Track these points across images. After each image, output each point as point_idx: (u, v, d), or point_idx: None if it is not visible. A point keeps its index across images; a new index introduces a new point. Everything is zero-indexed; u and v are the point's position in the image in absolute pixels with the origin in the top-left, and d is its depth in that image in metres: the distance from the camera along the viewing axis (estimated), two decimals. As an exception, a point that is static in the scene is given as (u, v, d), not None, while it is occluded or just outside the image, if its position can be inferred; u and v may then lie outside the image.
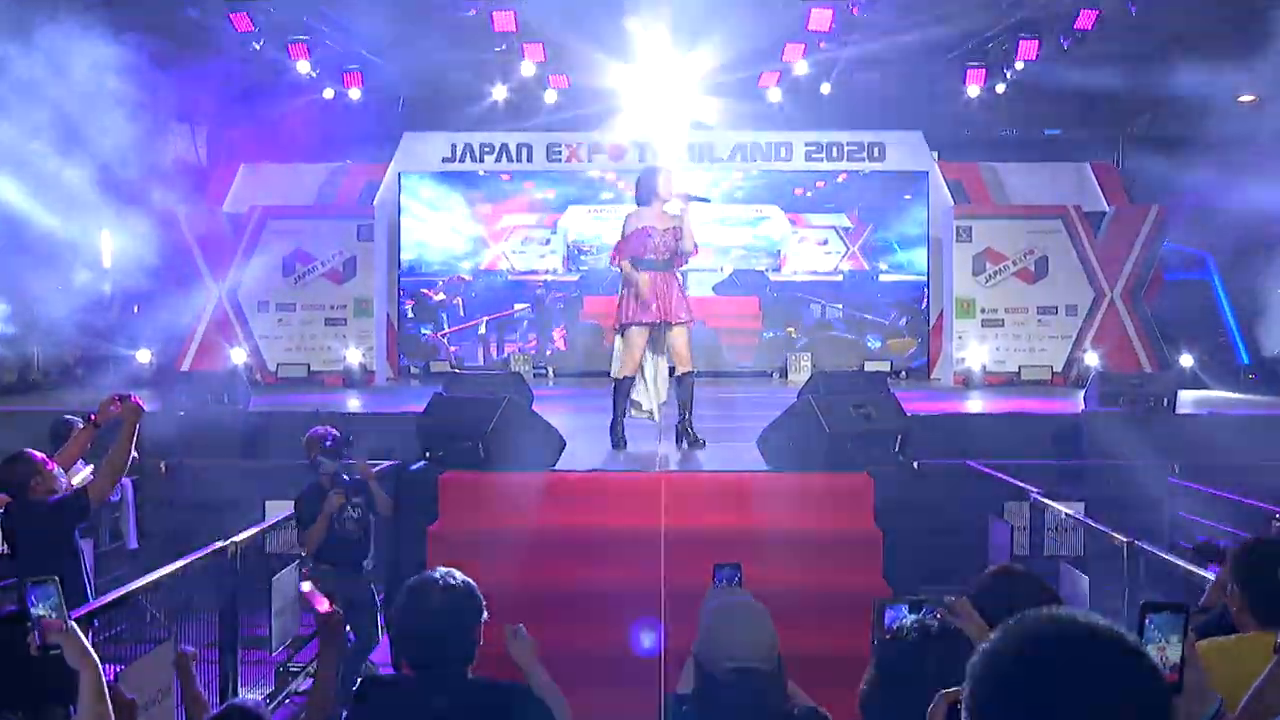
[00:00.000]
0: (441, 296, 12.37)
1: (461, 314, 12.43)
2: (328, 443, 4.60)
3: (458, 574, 2.14)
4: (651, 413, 5.69)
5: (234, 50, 10.43)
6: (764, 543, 4.23)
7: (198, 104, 11.67)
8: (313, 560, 4.56)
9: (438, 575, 2.13)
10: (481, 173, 12.26)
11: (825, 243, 12.31)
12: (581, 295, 12.28)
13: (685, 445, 5.56)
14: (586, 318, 12.17)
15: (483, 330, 12.40)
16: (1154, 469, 5.89)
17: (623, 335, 5.59)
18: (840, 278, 12.32)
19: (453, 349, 12.38)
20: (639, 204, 5.59)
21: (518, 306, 12.26)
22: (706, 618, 2.08)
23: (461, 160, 12.22)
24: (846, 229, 12.48)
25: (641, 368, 5.65)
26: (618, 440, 5.61)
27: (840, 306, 12.18)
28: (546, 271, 12.28)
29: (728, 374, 11.77)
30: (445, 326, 12.48)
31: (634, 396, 5.65)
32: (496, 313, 12.33)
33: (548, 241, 12.40)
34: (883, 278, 12.33)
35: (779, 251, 12.41)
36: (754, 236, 12.48)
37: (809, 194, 12.40)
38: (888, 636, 1.75)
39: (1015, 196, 12.23)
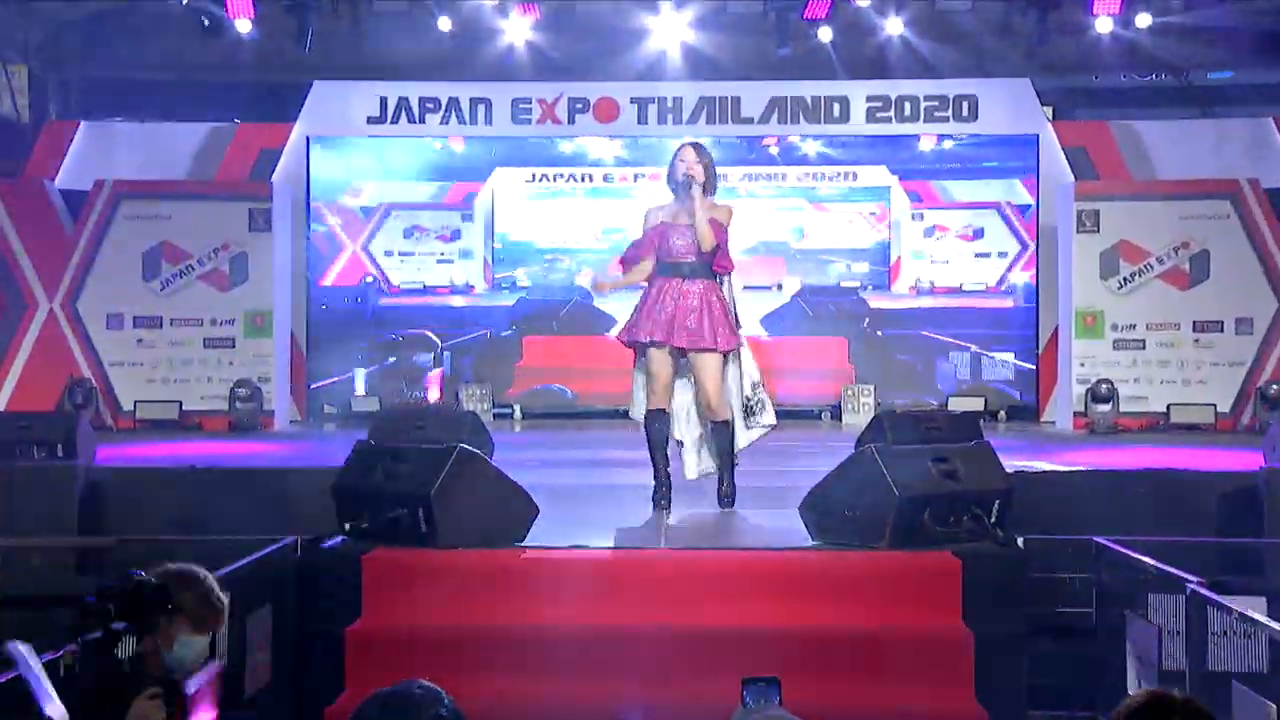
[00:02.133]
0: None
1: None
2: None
3: (446, 697, 2.16)
4: (683, 440, 6.02)
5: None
6: (809, 648, 4.29)
7: (15, 36, 11.70)
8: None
9: (416, 691, 2.15)
10: (437, 146, 12.40)
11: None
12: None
13: (709, 503, 5.84)
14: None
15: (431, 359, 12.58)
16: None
17: (640, 359, 5.97)
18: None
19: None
20: (669, 188, 6.05)
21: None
22: (735, 752, 2.18)
23: (394, 120, 12.37)
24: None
25: (673, 406, 5.95)
26: (659, 499, 5.80)
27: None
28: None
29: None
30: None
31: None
32: (448, 331, 12.48)
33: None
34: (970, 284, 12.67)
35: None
36: (789, 230, 12.62)
37: (851, 178, 12.52)
38: None
39: (1163, 167, 12.30)
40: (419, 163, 12.66)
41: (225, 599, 3.12)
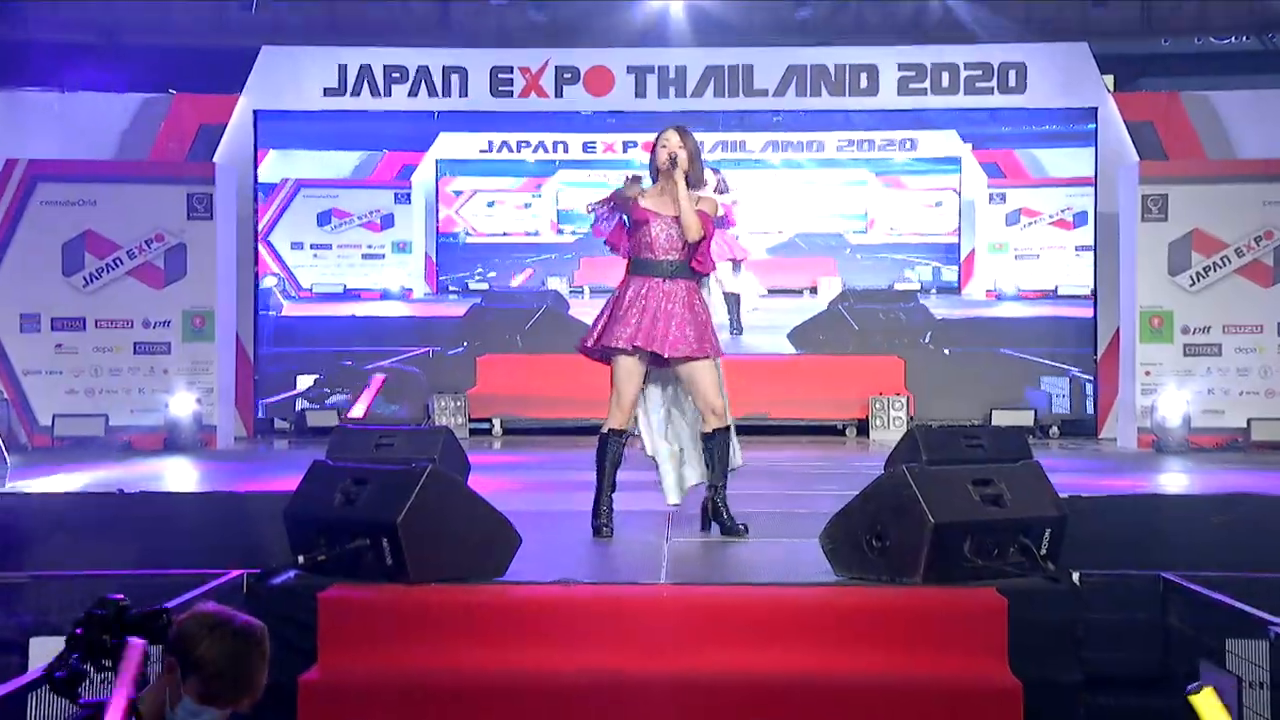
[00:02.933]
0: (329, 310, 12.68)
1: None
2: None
3: None
4: (655, 456, 6.11)
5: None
6: (830, 700, 4.29)
7: None
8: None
9: None
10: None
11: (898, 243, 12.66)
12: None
13: (716, 531, 5.88)
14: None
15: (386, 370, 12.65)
16: None
17: (611, 364, 5.98)
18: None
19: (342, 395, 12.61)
20: (650, 176, 6.08)
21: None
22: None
23: (355, 92, 12.47)
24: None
25: (646, 415, 6.04)
26: (600, 525, 5.90)
27: (895, 310, 12.54)
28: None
29: (777, 429, 11.92)
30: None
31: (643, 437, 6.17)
32: (376, 350, 12.43)
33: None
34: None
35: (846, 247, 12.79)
36: (825, 215, 12.52)
37: (907, 146, 12.56)
38: None
39: (1243, 145, 12.37)
40: (339, 124, 12.52)
41: (263, 679, 2.84)
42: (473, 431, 11.97)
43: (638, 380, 5.92)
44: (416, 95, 12.55)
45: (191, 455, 10.80)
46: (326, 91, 12.52)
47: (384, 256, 12.59)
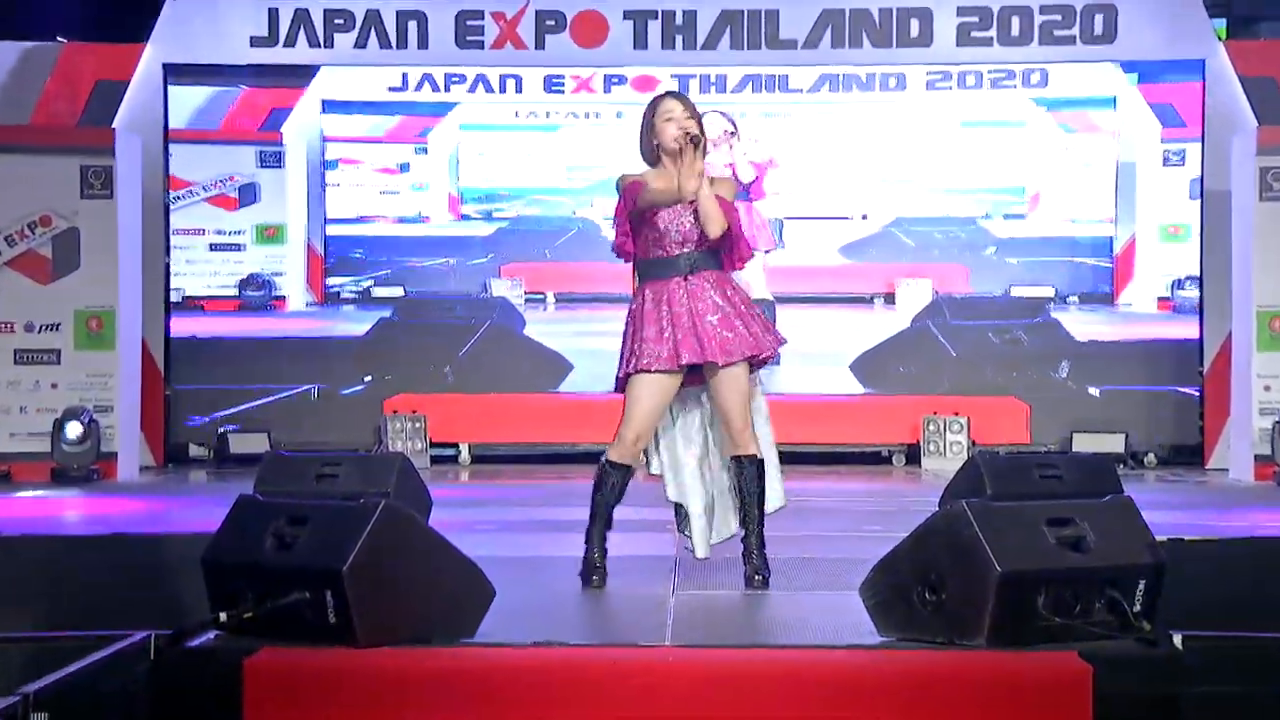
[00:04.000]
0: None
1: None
2: None
3: None
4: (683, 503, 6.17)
5: None
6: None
7: None
8: None
9: None
10: (389, 90, 12.51)
11: (987, 216, 12.38)
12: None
13: (744, 583, 5.95)
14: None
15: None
16: None
17: (628, 385, 6.03)
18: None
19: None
20: (645, 159, 6.13)
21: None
22: None
23: (289, 43, 12.48)
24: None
25: (674, 454, 6.11)
26: (591, 574, 5.96)
27: (1014, 328, 12.29)
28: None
29: (806, 456, 11.84)
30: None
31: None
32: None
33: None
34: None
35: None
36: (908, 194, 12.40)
37: (1033, 81, 12.25)
38: None
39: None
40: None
41: None
42: (435, 459, 11.93)
43: (661, 403, 5.94)
44: (365, 46, 12.52)
45: (86, 489, 10.76)
46: (254, 41, 12.51)
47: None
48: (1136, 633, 4.82)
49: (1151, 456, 12.22)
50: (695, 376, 6.03)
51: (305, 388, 12.18)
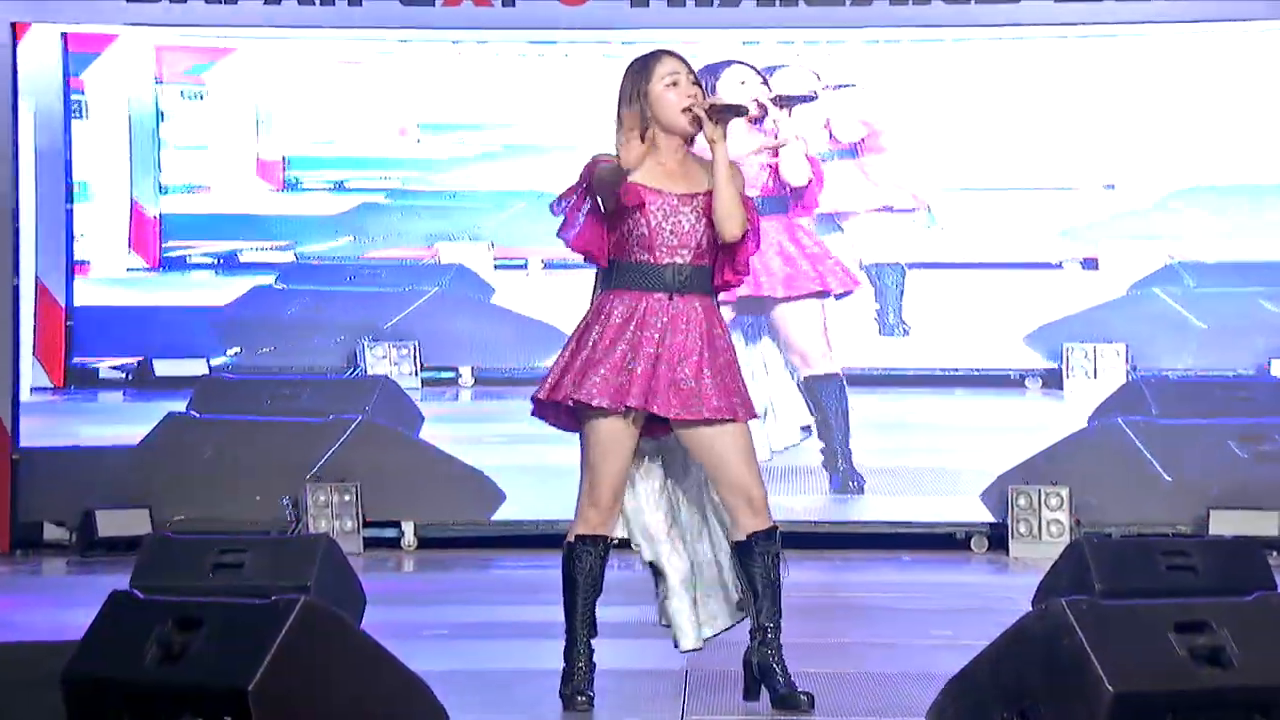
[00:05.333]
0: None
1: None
2: None
3: None
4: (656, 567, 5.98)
5: None
6: None
7: None
8: None
9: None
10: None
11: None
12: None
13: (766, 702, 5.76)
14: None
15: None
16: None
17: (582, 433, 5.84)
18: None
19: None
20: (621, 137, 5.84)
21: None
22: None
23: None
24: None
25: (639, 507, 6.02)
26: (574, 693, 5.81)
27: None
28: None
29: (853, 539, 11.87)
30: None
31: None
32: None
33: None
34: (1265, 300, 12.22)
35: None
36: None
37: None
38: None
39: None
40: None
41: None
42: (371, 542, 11.88)
43: (625, 457, 5.68)
44: (280, 2, 12.40)
45: None
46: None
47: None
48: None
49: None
50: (663, 426, 5.78)
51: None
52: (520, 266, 12.54)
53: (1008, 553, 11.65)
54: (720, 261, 5.74)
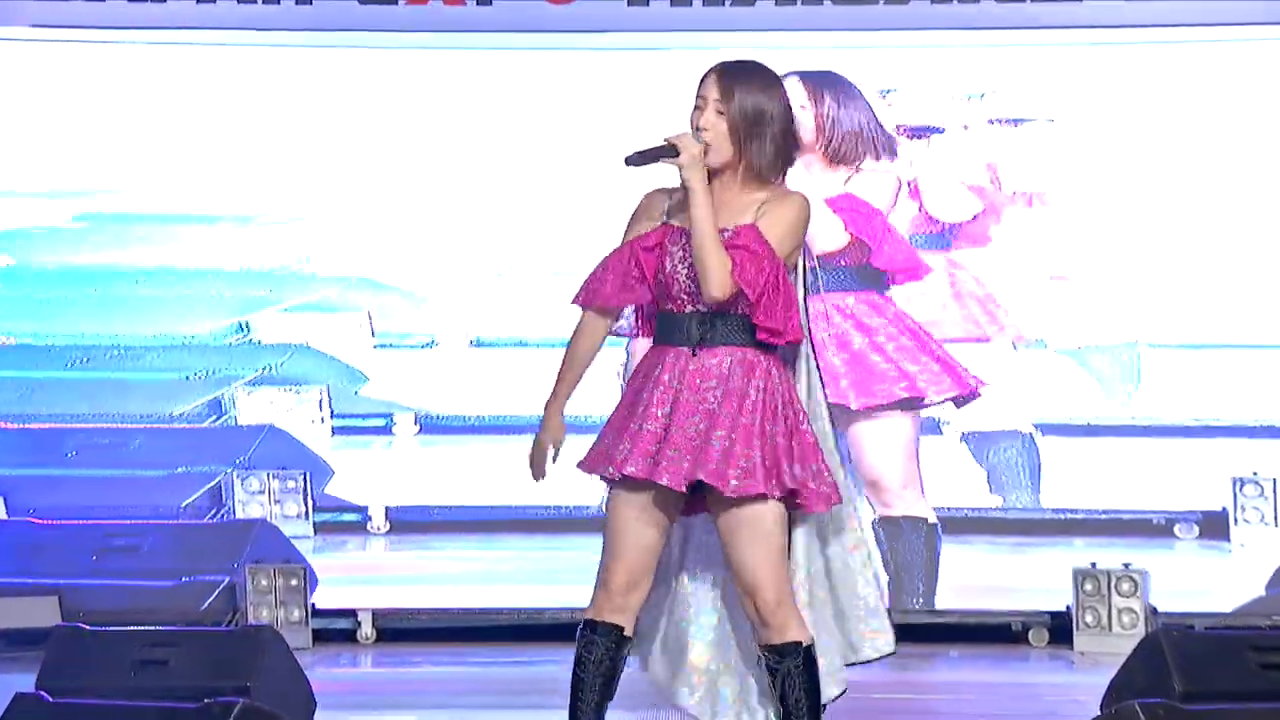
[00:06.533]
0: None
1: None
2: None
3: None
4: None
5: None
6: None
7: None
8: None
9: None
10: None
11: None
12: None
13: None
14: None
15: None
16: None
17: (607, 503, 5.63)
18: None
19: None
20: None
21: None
22: None
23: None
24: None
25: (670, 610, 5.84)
26: None
27: None
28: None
29: (900, 628, 11.77)
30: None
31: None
32: None
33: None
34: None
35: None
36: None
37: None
38: None
39: None
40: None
41: None
42: (320, 635, 11.86)
43: (640, 535, 5.62)
44: (213, 0, 12.44)
45: None
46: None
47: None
48: None
49: None
50: (699, 503, 5.60)
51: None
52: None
53: (1072, 646, 11.55)
54: (747, 309, 5.61)
